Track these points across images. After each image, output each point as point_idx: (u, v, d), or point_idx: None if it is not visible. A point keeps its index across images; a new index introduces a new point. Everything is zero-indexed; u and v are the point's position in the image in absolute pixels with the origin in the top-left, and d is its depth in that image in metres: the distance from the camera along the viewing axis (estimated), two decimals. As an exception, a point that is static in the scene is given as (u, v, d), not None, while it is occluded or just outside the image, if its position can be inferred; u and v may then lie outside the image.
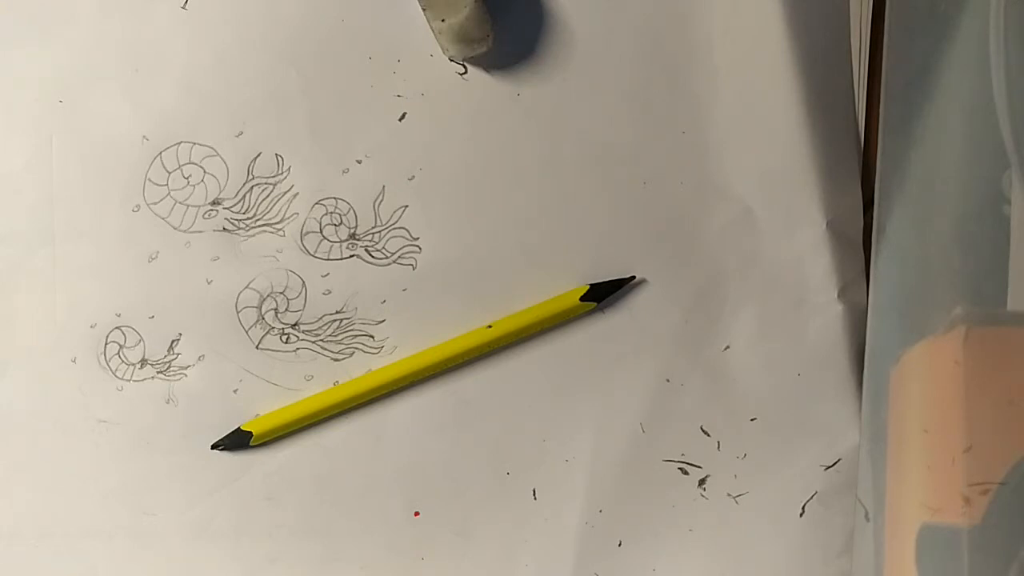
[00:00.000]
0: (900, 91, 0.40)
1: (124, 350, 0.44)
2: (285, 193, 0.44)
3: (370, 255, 0.44)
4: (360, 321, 0.44)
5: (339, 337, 0.44)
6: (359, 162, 0.44)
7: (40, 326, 0.44)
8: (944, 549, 0.36)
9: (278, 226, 0.44)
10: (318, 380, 0.44)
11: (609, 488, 0.43)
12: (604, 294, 0.43)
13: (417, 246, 0.44)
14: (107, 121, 0.44)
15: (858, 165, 0.43)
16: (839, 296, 0.43)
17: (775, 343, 0.43)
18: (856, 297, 0.43)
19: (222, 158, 0.44)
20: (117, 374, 0.44)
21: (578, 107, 0.43)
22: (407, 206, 0.44)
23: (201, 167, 0.44)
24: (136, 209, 0.44)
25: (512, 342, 0.43)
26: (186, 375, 0.44)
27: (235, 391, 0.44)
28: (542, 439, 0.44)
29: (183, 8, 0.44)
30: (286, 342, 0.44)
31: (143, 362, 0.44)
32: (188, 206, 0.44)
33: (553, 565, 0.43)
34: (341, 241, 0.44)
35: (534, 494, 0.44)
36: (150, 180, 0.44)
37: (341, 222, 0.44)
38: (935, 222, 0.38)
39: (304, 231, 0.44)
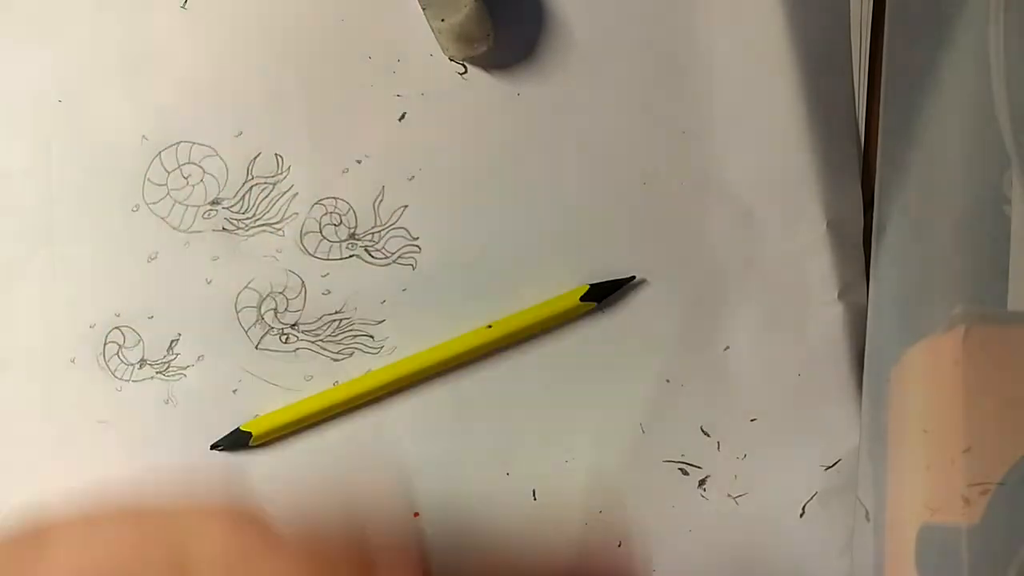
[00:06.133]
0: (900, 91, 0.40)
1: (123, 350, 0.44)
2: (285, 193, 0.44)
3: (370, 255, 0.44)
4: (360, 321, 0.44)
5: (339, 337, 0.44)
6: (359, 162, 0.44)
7: (39, 326, 0.44)
8: (944, 549, 0.36)
9: (278, 226, 0.44)
10: (318, 380, 0.44)
11: (609, 488, 0.43)
12: (604, 294, 0.43)
13: (417, 246, 0.44)
14: (107, 121, 0.44)
15: (858, 165, 0.43)
16: (839, 296, 0.43)
17: (775, 343, 0.43)
18: (856, 297, 0.43)
19: (221, 158, 0.44)
20: (116, 374, 0.44)
21: (578, 107, 0.43)
22: (407, 206, 0.44)
23: (200, 167, 0.44)
24: (135, 209, 0.44)
25: (512, 342, 0.43)
26: (185, 375, 0.44)
27: (234, 391, 0.44)
28: (542, 439, 0.44)
29: (183, 8, 0.44)
30: (285, 342, 0.44)
31: (142, 362, 0.44)
32: (187, 206, 0.44)
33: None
34: (341, 241, 0.44)
35: (534, 494, 0.44)
36: (149, 180, 0.44)
37: (341, 222, 0.44)
38: (935, 222, 0.38)
39: (304, 231, 0.44)
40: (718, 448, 0.43)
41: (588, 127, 0.43)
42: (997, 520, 0.34)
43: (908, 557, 0.37)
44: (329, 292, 0.44)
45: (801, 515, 0.43)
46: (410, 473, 0.44)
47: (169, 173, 0.44)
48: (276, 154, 0.44)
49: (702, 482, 0.43)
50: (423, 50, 0.43)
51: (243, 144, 0.44)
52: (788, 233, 0.43)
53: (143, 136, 0.44)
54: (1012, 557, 0.34)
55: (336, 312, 0.44)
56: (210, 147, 0.44)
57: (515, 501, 0.44)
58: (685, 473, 0.43)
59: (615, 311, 0.43)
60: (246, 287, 0.44)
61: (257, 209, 0.44)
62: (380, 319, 0.44)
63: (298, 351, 0.44)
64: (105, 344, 0.44)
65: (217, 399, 0.44)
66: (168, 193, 0.44)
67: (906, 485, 0.38)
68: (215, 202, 0.44)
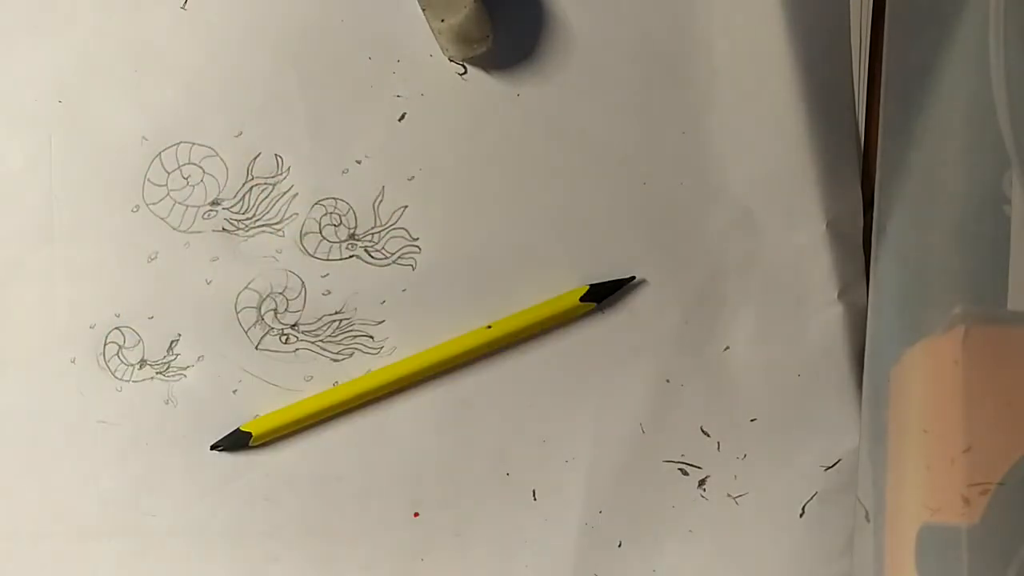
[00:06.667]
0: (900, 91, 0.40)
1: (123, 350, 0.44)
2: (285, 193, 0.44)
3: (370, 255, 0.44)
4: (360, 321, 0.44)
5: (339, 337, 0.44)
6: (359, 162, 0.44)
7: (40, 326, 0.44)
8: (944, 549, 0.36)
9: (277, 226, 0.44)
10: (318, 380, 0.44)
11: (609, 488, 0.43)
12: (604, 294, 0.43)
13: (417, 246, 0.44)
14: (107, 121, 0.44)
15: (858, 165, 0.43)
16: (839, 296, 0.43)
17: (775, 343, 0.43)
18: (856, 297, 0.43)
19: (221, 158, 0.44)
20: (116, 375, 0.44)
21: (578, 107, 0.43)
22: (407, 206, 0.44)
23: (200, 167, 0.44)
24: (135, 209, 0.44)
25: (512, 342, 0.43)
26: (185, 376, 0.44)
27: (234, 391, 0.44)
28: (542, 439, 0.44)
29: (183, 8, 0.44)
30: (285, 342, 0.44)
31: (142, 362, 0.44)
32: (187, 206, 0.44)
33: (553, 565, 0.44)
34: (341, 241, 0.44)
35: (534, 494, 0.44)
36: (149, 180, 0.44)
37: (341, 222, 0.44)
38: (935, 222, 0.38)
39: (304, 231, 0.44)
40: (718, 448, 0.43)
41: (588, 127, 0.43)
42: (997, 520, 0.34)
43: (908, 557, 0.37)
44: (329, 292, 0.44)
45: (801, 515, 0.43)
46: (410, 473, 0.44)
47: (169, 173, 0.44)
48: (276, 154, 0.44)
49: (702, 482, 0.43)
50: (423, 50, 0.43)
51: (243, 144, 0.44)
52: (788, 233, 0.43)
53: (143, 136, 0.44)
54: (1012, 557, 0.34)
55: (336, 312, 0.44)
56: (210, 147, 0.44)
57: (515, 501, 0.44)
58: (685, 473, 0.43)
59: (615, 311, 0.43)
60: (246, 287, 0.44)
61: (257, 209, 0.44)
62: (380, 319, 0.44)
63: (298, 351, 0.44)
64: (105, 344, 0.44)
65: (217, 399, 0.44)
66: (168, 193, 0.44)
67: (906, 485, 0.38)
68: (215, 202, 0.44)
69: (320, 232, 0.44)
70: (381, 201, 0.44)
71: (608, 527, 0.43)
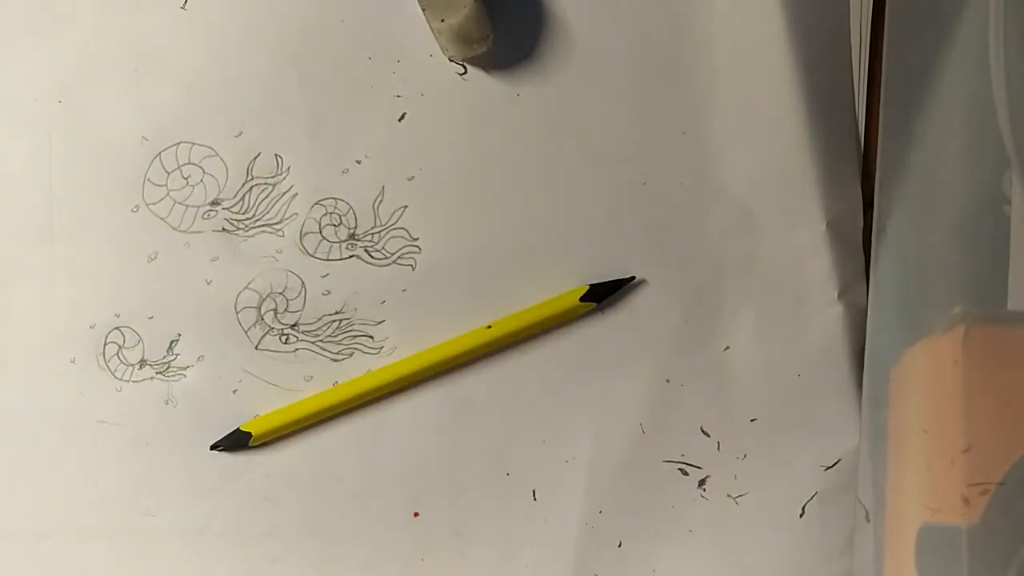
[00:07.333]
0: (900, 91, 0.40)
1: (123, 350, 0.44)
2: (284, 193, 0.44)
3: (370, 255, 0.44)
4: (360, 321, 0.44)
5: (338, 337, 0.44)
6: (359, 162, 0.44)
7: (39, 326, 0.44)
8: (944, 549, 0.36)
9: (277, 226, 0.44)
10: (318, 380, 0.44)
11: (609, 488, 0.43)
12: (604, 294, 0.43)
13: (417, 246, 0.44)
14: (106, 121, 0.44)
15: (858, 165, 0.43)
16: (839, 296, 0.43)
17: (775, 343, 0.43)
18: (856, 297, 0.43)
19: (221, 158, 0.44)
20: (116, 375, 0.44)
21: (578, 107, 0.43)
22: (407, 206, 0.44)
23: (200, 167, 0.44)
24: (135, 209, 0.44)
25: (512, 342, 0.43)
26: (185, 376, 0.44)
27: (234, 391, 0.44)
28: (542, 439, 0.44)
29: (183, 8, 0.44)
30: (285, 342, 0.44)
31: (142, 362, 0.44)
32: (187, 206, 0.44)
33: (553, 565, 0.44)
34: (340, 241, 0.44)
35: (534, 494, 0.44)
36: (149, 180, 0.44)
37: (341, 222, 0.44)
38: (935, 222, 0.38)
39: (303, 231, 0.44)
40: (718, 448, 0.43)
41: (588, 127, 0.43)
42: (997, 520, 0.34)
43: (908, 557, 0.37)
44: (329, 292, 0.44)
45: (801, 515, 0.43)
46: (410, 473, 0.44)
47: (169, 173, 0.44)
48: (276, 154, 0.44)
49: (702, 482, 0.43)
50: (423, 50, 0.43)
51: (243, 144, 0.44)
52: (788, 233, 0.43)
53: (143, 136, 0.44)
54: (1012, 557, 0.34)
55: (336, 312, 0.44)
56: (210, 147, 0.44)
57: (515, 501, 0.44)
58: (685, 473, 0.43)
59: (615, 311, 0.43)
60: (246, 287, 0.44)
61: (257, 209, 0.44)
62: (380, 319, 0.44)
63: (298, 351, 0.44)
64: (105, 344, 0.44)
65: (217, 399, 0.44)
66: (168, 193, 0.44)
67: (906, 485, 0.38)
68: (215, 202, 0.44)
69: (320, 232, 0.44)
70: (381, 201, 0.44)
71: (608, 527, 0.43)
